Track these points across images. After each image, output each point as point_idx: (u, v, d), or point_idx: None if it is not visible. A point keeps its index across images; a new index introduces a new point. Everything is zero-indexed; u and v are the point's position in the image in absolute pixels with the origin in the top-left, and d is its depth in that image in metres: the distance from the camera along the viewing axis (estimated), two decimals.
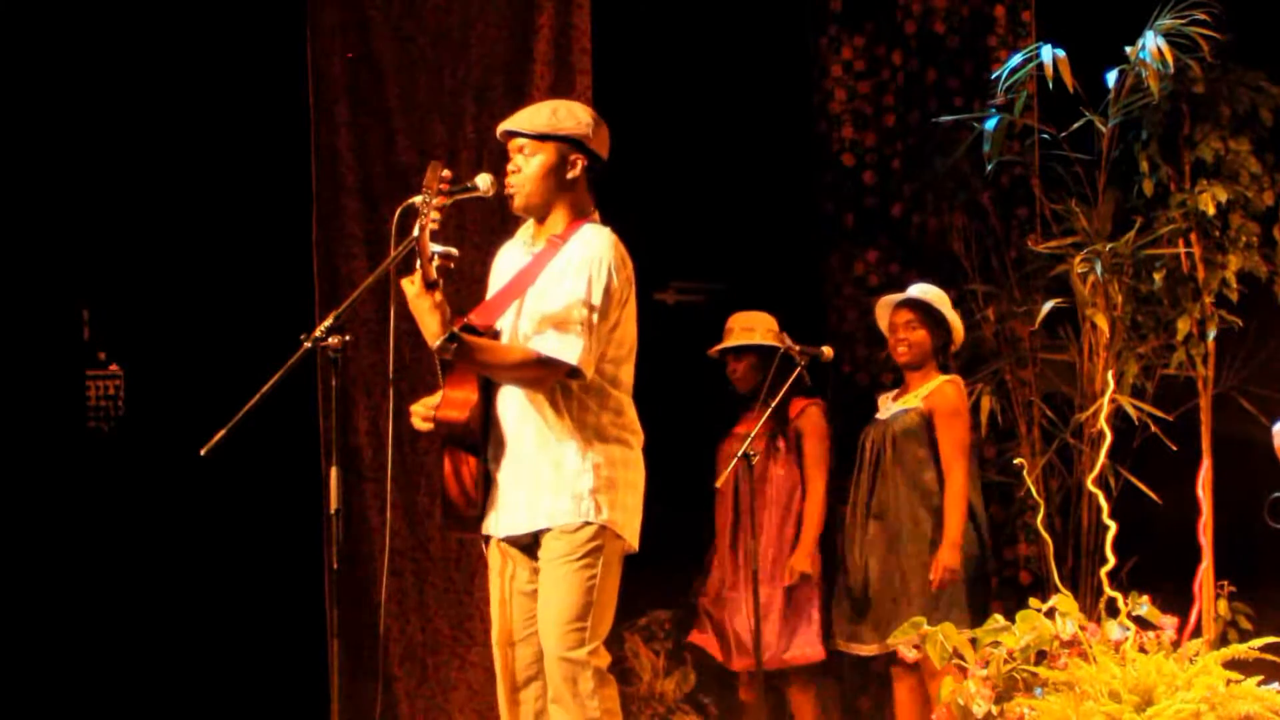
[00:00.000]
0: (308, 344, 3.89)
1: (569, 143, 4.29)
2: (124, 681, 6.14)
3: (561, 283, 4.21)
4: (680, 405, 5.99)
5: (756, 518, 5.87)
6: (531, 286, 4.27)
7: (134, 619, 6.19)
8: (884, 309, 5.95)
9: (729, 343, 6.02)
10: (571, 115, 4.33)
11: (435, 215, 4.08)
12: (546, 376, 4.18)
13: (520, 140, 4.30)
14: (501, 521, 4.30)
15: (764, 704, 5.89)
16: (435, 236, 4.10)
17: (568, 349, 4.15)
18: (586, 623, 4.19)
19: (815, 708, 6.06)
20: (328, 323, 3.91)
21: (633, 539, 4.33)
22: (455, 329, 4.20)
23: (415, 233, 4.05)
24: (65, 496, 6.21)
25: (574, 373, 4.19)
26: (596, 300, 4.18)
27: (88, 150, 6.23)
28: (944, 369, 5.87)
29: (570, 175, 4.30)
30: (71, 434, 6.52)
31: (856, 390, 6.78)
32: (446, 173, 4.13)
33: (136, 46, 6.22)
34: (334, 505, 3.96)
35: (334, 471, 3.98)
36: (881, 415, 5.89)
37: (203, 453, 3.79)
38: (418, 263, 4.07)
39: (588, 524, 4.21)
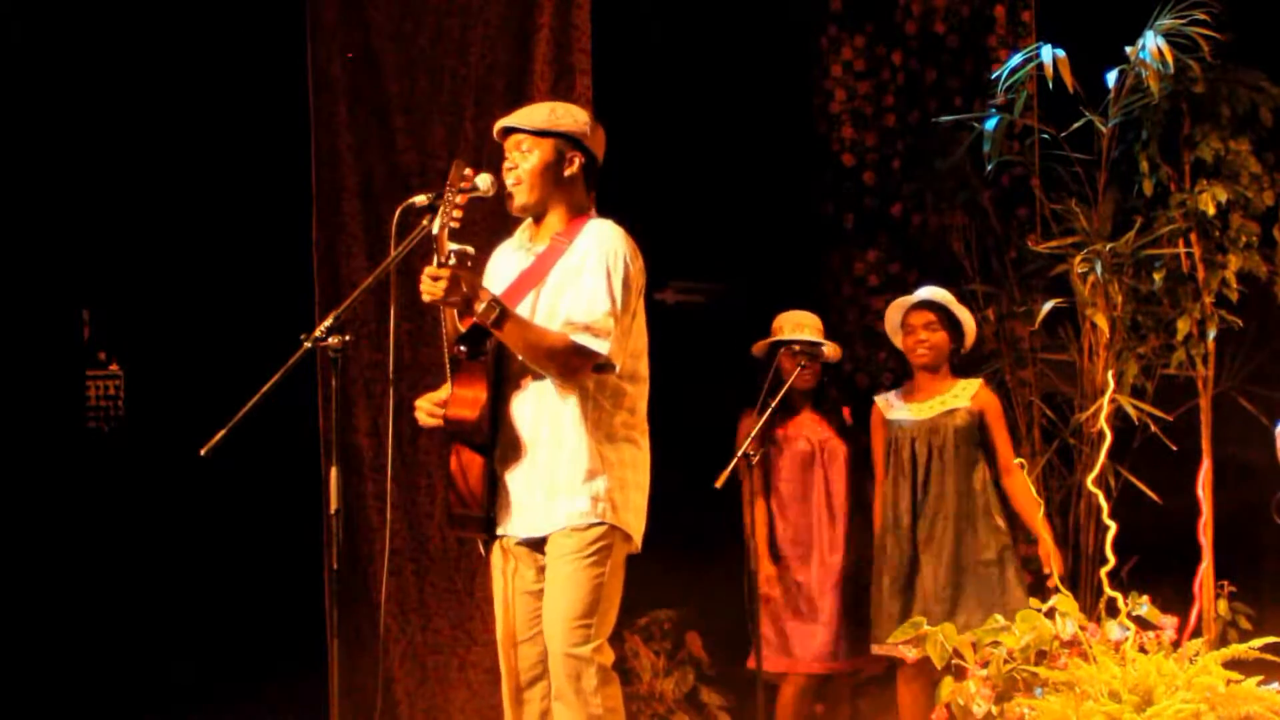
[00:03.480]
0: (308, 344, 3.89)
1: (567, 139, 4.31)
2: (125, 680, 6.13)
3: (580, 279, 4.22)
4: (679, 405, 5.99)
5: (824, 523, 5.91)
6: (541, 285, 4.27)
7: (135, 619, 6.18)
8: (897, 310, 5.93)
9: (795, 336, 5.95)
10: (569, 114, 4.36)
11: (457, 214, 4.10)
12: (580, 365, 4.18)
13: (518, 136, 4.32)
14: (516, 523, 4.30)
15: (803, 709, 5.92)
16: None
17: (600, 343, 4.17)
18: (592, 620, 4.20)
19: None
20: (328, 323, 3.91)
21: (638, 539, 4.34)
22: (464, 328, 4.21)
23: (435, 229, 4.07)
24: (65, 496, 6.21)
25: (603, 367, 4.20)
26: (618, 292, 4.20)
27: (88, 151, 6.23)
28: (957, 370, 5.89)
29: (568, 172, 4.32)
30: (71, 434, 6.52)
31: (856, 390, 6.77)
32: (469, 171, 4.15)
33: (137, 47, 6.22)
34: (334, 505, 3.96)
35: (334, 471, 3.98)
36: (904, 416, 5.86)
37: (203, 453, 3.79)
38: (435, 260, 4.08)
39: (598, 524, 4.22)
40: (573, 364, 4.18)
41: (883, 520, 5.84)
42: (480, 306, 4.08)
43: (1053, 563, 5.63)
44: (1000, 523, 5.74)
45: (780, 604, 5.91)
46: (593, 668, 4.18)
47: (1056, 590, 4.64)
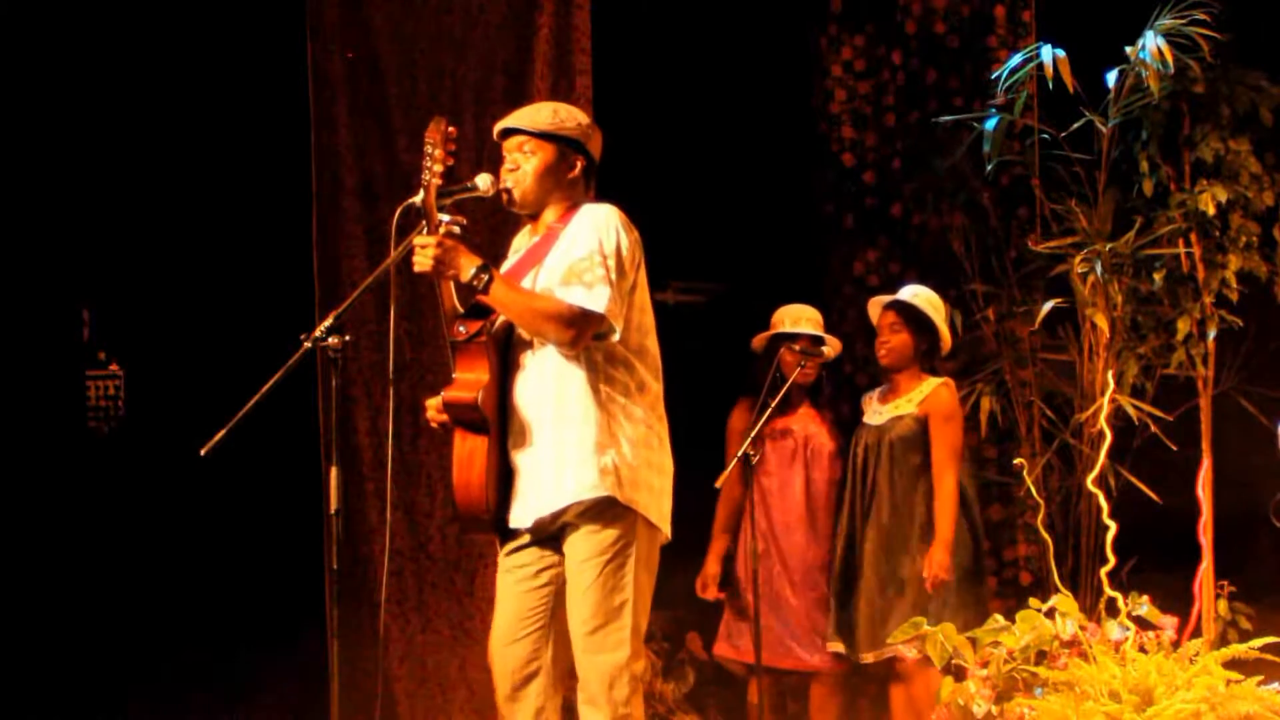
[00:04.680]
0: (308, 344, 3.88)
1: (569, 143, 4.30)
2: (125, 680, 6.14)
3: (572, 252, 4.18)
4: (679, 405, 5.99)
5: (801, 519, 5.91)
6: (539, 267, 4.24)
7: (135, 619, 6.19)
8: (874, 308, 5.94)
9: (796, 330, 5.92)
10: (572, 117, 4.35)
11: (439, 169, 4.08)
12: (578, 328, 4.11)
13: (520, 137, 4.30)
14: (527, 507, 4.21)
15: (770, 704, 5.91)
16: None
17: (594, 299, 4.10)
18: (623, 624, 4.16)
19: (838, 710, 6.05)
20: (328, 323, 3.90)
21: (662, 524, 4.27)
22: (463, 310, 4.19)
23: (421, 193, 4.05)
24: (65, 496, 6.21)
25: (602, 335, 4.15)
26: (610, 255, 4.15)
27: (88, 150, 6.24)
28: (932, 371, 5.84)
29: (569, 176, 4.31)
30: (71, 434, 6.52)
31: (856, 390, 6.77)
32: (452, 130, 4.13)
33: (137, 46, 6.23)
34: (334, 505, 3.95)
35: (334, 471, 3.97)
36: (871, 420, 5.85)
37: (203, 453, 3.78)
38: (425, 229, 4.07)
39: (613, 518, 4.15)
40: (572, 323, 4.11)
41: (839, 525, 5.85)
42: (469, 271, 4.06)
43: (931, 567, 5.55)
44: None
45: (749, 598, 5.90)
46: (627, 674, 4.15)
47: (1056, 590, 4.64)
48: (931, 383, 5.78)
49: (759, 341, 6.00)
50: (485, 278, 4.08)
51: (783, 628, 5.88)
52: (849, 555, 5.79)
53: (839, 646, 5.80)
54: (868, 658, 5.71)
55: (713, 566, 5.94)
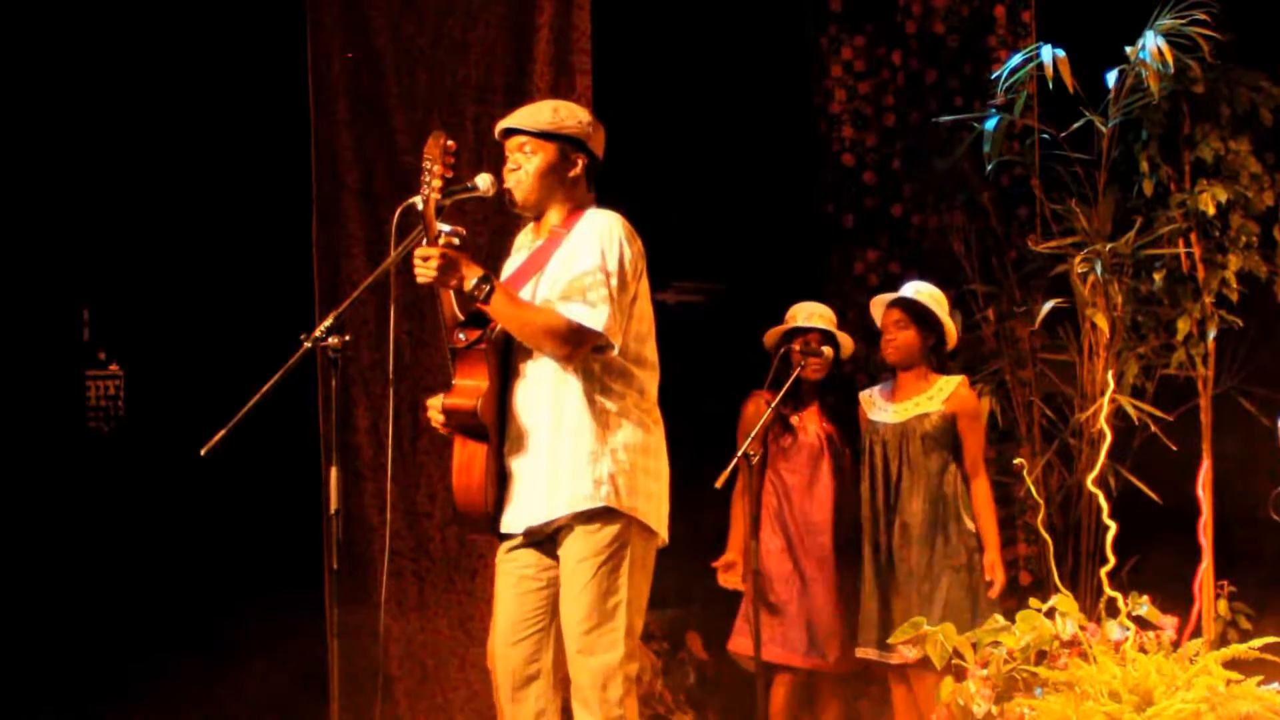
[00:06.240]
0: (308, 344, 3.88)
1: (570, 142, 4.30)
2: (124, 679, 6.13)
3: (574, 263, 4.18)
4: (678, 405, 5.99)
5: (827, 519, 5.89)
6: (540, 274, 4.24)
7: (135, 619, 6.18)
8: (878, 306, 5.93)
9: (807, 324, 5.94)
10: (573, 114, 4.34)
11: (437, 184, 4.08)
12: (577, 341, 4.12)
13: (521, 138, 4.29)
14: (520, 514, 4.23)
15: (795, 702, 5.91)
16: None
17: (595, 316, 4.11)
18: (615, 624, 4.16)
19: (841, 710, 6.05)
20: (328, 323, 3.91)
21: (660, 529, 4.28)
22: (463, 316, 4.20)
23: (420, 205, 4.05)
24: (65, 496, 6.21)
25: (601, 348, 4.15)
26: (613, 270, 4.15)
27: (88, 150, 6.24)
28: (941, 369, 5.84)
29: (571, 174, 4.30)
30: (71, 434, 6.52)
31: (856, 390, 6.77)
32: (451, 144, 4.13)
33: (137, 46, 6.23)
34: (334, 505, 3.95)
35: (334, 471, 3.98)
36: (883, 418, 5.82)
37: (202, 453, 3.78)
38: (425, 239, 4.07)
39: (609, 520, 4.16)
40: (570, 339, 4.12)
41: (862, 525, 5.82)
42: (470, 282, 4.06)
43: (996, 573, 5.61)
44: (971, 526, 5.66)
45: (772, 595, 5.88)
46: (620, 675, 4.15)
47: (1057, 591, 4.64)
48: (952, 380, 5.79)
49: (771, 337, 5.98)
50: (486, 288, 4.08)
51: (807, 627, 5.86)
52: (875, 556, 5.76)
53: (870, 653, 5.73)
54: (895, 658, 5.66)
55: (731, 555, 5.92)
